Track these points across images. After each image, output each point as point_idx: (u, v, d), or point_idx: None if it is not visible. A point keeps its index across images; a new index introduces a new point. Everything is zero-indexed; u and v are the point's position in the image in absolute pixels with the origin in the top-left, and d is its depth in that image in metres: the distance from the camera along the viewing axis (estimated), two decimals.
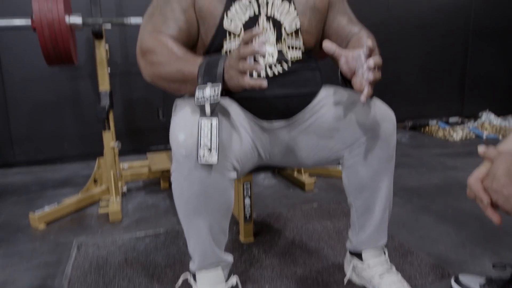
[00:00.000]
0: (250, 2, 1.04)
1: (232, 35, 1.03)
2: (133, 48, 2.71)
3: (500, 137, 3.33)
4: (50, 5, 1.64)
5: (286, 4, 1.07)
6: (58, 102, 2.68)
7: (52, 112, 2.68)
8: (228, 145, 0.89)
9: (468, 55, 3.80)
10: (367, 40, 0.89)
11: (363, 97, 0.86)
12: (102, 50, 1.86)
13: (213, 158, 0.83)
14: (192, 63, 0.90)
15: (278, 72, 1.04)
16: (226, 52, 1.04)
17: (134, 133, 2.87)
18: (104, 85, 1.90)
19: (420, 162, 2.57)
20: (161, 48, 0.96)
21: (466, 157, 2.67)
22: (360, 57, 0.89)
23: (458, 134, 3.30)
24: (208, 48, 1.06)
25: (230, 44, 1.03)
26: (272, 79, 1.02)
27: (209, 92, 0.83)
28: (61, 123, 2.71)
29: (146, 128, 2.89)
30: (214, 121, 0.83)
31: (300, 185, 2.11)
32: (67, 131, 2.73)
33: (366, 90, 0.86)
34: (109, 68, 1.94)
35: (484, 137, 3.35)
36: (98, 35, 1.82)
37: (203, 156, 0.83)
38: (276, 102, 1.05)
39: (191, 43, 1.06)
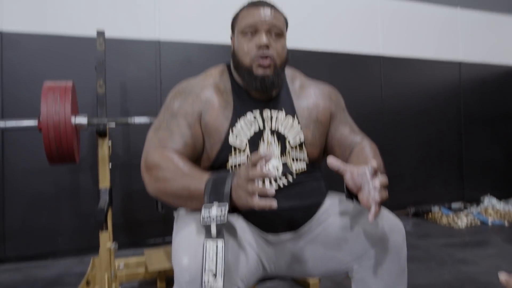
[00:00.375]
0: (255, 117, 1.07)
1: (237, 150, 1.04)
2: (135, 140, 2.79)
3: (506, 223, 3.26)
4: (58, 107, 1.69)
5: (290, 118, 1.10)
6: (56, 194, 2.65)
7: (49, 204, 2.63)
8: (234, 267, 0.85)
9: (462, 141, 3.90)
10: (372, 160, 0.90)
11: (370, 217, 0.85)
12: (105, 148, 1.88)
13: (218, 284, 0.78)
14: (199, 180, 0.89)
15: (283, 184, 1.03)
16: (231, 166, 1.04)
17: (132, 225, 2.80)
18: (105, 182, 1.88)
19: (428, 255, 2.47)
20: (166, 164, 0.95)
21: (475, 248, 2.58)
22: (365, 174, 0.89)
23: (462, 221, 3.23)
24: (213, 162, 1.06)
25: (235, 159, 1.04)
26: (277, 192, 1.01)
27: (215, 212, 0.81)
28: (57, 216, 2.65)
29: (144, 220, 2.82)
30: (220, 243, 0.79)
31: (305, 286, 1.99)
32: (62, 224, 2.66)
33: (374, 210, 0.85)
34: (110, 164, 1.95)
35: (490, 223, 3.28)
36: (102, 134, 1.85)
37: (208, 282, 0.78)
38: (282, 214, 1.02)
39: (196, 157, 1.07)
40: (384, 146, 3.53)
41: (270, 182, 1.03)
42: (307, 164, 1.09)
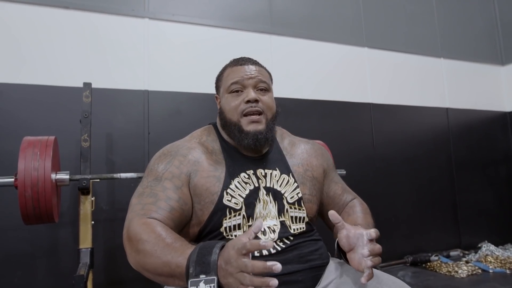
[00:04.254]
0: (249, 176, 1.01)
1: (232, 212, 0.96)
2: (120, 192, 2.65)
3: (507, 271, 3.16)
4: (37, 163, 1.58)
5: (285, 176, 1.06)
6: (32, 252, 2.45)
7: (24, 263, 2.43)
8: None
9: (455, 187, 3.86)
10: (371, 231, 0.87)
11: (363, 280, 0.83)
12: (87, 205, 1.76)
13: None
14: (181, 255, 0.80)
15: (281, 248, 0.95)
16: (225, 228, 0.96)
17: (116, 284, 2.59)
18: (86, 243, 1.74)
19: None
20: (148, 235, 0.87)
21: None
22: (362, 237, 0.87)
23: (463, 270, 3.12)
24: (204, 225, 0.97)
25: (230, 222, 0.96)
26: (274, 255, 0.93)
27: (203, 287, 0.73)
28: (32, 276, 2.43)
29: (129, 279, 2.62)
30: None
31: None
32: (37, 285, 2.43)
33: (367, 273, 0.83)
34: (92, 222, 1.82)
35: (491, 271, 3.17)
36: (84, 191, 1.74)
37: None
38: (280, 280, 0.92)
39: (184, 222, 0.98)
40: (377, 193, 3.45)
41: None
42: (306, 223, 1.03)
